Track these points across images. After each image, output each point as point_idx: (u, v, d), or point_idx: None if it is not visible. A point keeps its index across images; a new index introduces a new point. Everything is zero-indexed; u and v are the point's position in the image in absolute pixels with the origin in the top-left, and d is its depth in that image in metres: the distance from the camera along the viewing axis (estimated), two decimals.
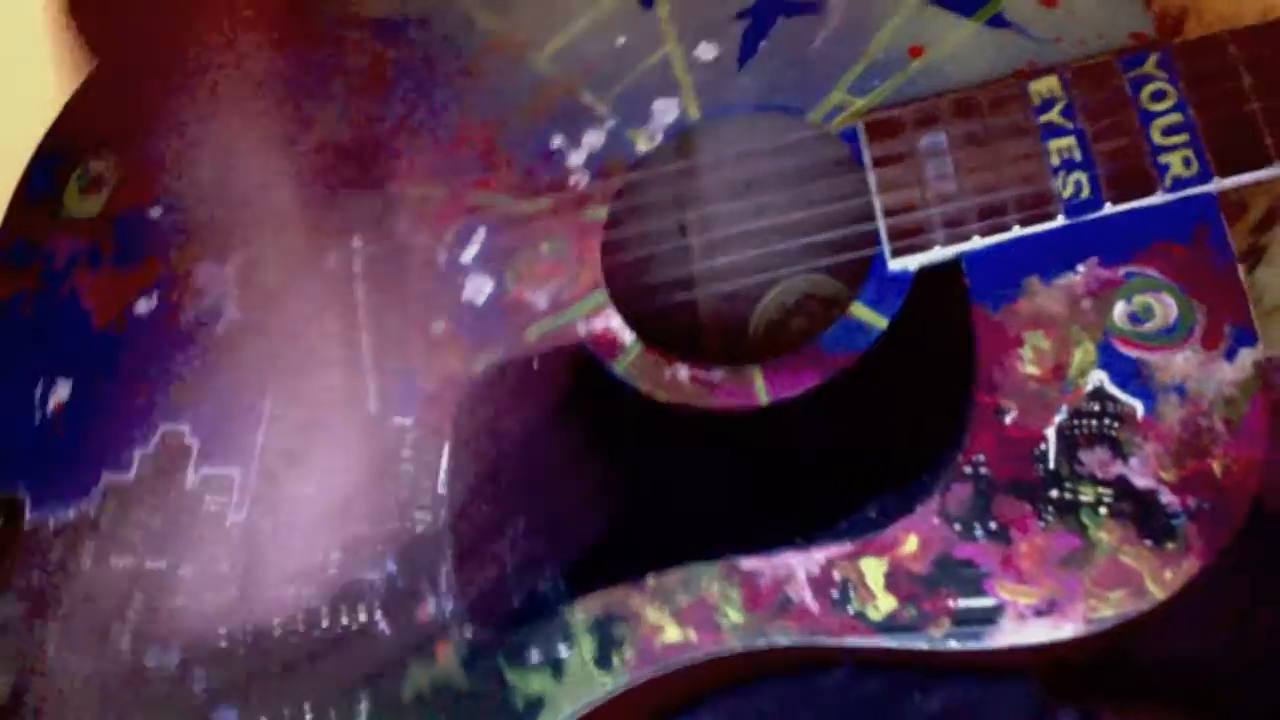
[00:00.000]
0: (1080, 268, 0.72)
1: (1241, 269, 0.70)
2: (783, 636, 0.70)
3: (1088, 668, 0.73)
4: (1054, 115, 0.74)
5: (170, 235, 0.90)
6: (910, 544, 0.69)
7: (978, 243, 0.73)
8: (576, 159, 0.83)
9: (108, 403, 0.87)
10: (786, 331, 0.86)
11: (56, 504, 0.85)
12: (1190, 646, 0.76)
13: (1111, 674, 0.74)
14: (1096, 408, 0.69)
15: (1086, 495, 0.68)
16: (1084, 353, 0.70)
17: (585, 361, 0.78)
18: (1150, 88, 0.73)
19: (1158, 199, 0.71)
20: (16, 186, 0.97)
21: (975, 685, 0.72)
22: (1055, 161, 0.73)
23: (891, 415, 0.73)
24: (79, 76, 0.98)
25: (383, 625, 0.76)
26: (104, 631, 0.81)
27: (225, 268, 0.88)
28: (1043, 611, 0.67)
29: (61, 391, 0.88)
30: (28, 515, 0.86)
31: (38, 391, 0.89)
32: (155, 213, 0.91)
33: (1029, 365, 0.71)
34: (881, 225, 0.75)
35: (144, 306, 0.89)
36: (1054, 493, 0.68)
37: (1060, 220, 0.72)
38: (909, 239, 0.74)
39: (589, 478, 0.76)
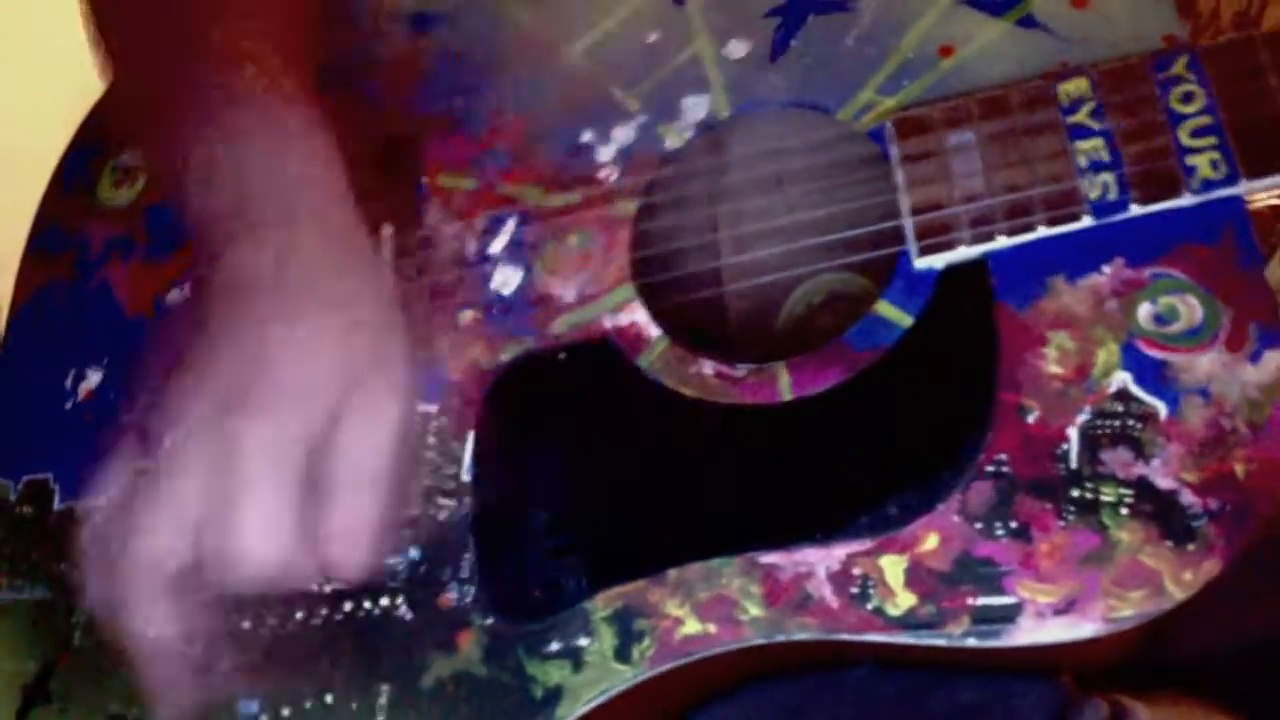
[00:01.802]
0: (1106, 268, 0.71)
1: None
2: (802, 632, 0.70)
3: (1115, 669, 0.73)
4: (1082, 116, 0.74)
5: (199, 220, 0.91)
6: (930, 541, 0.69)
7: (1004, 242, 0.73)
8: (607, 153, 0.83)
9: (131, 381, 0.88)
10: (812, 329, 0.86)
11: (85, 491, 0.86)
12: (1219, 645, 0.76)
13: (1138, 671, 0.74)
14: (1120, 408, 0.69)
15: (1108, 495, 0.68)
16: (1108, 353, 0.70)
17: (611, 355, 0.78)
18: (1179, 89, 0.72)
19: (1185, 201, 0.71)
20: (52, 176, 0.99)
21: (1000, 681, 0.72)
22: (1083, 162, 0.73)
23: (914, 413, 0.73)
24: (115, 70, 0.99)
25: (405, 613, 0.76)
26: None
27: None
28: (1062, 610, 0.67)
29: (92, 379, 0.89)
30: (57, 502, 0.87)
31: (68, 379, 0.90)
32: (185, 199, 0.92)
33: (1053, 365, 0.70)
34: (908, 223, 0.75)
35: (175, 297, 0.90)
36: (1075, 492, 0.68)
37: (1087, 221, 0.72)
38: (935, 237, 0.74)
39: (611, 470, 0.76)
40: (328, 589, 0.78)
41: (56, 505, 0.86)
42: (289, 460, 0.67)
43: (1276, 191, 0.72)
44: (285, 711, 0.76)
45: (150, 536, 0.68)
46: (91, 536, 0.72)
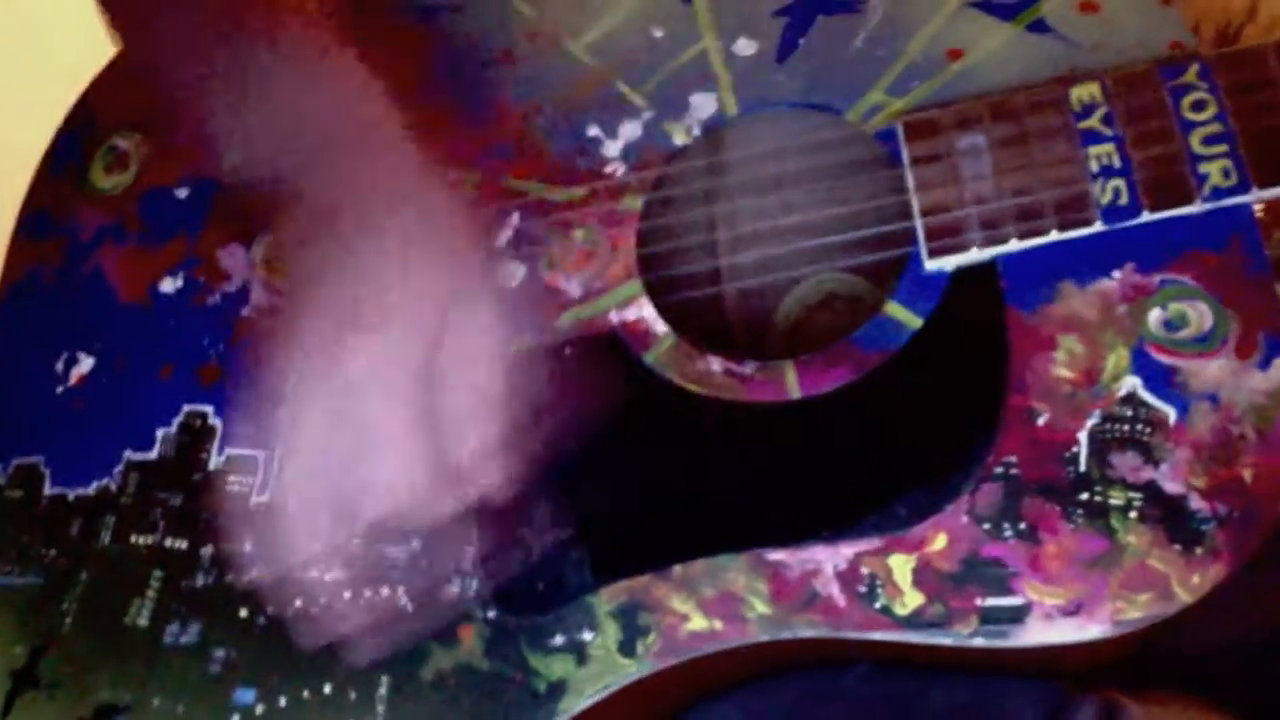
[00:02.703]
0: (1116, 273, 0.72)
1: None
2: (808, 630, 0.70)
3: (1112, 667, 0.74)
4: (1094, 121, 0.74)
5: (198, 216, 0.90)
6: (939, 542, 0.70)
7: (1014, 245, 0.73)
8: (613, 149, 0.83)
9: (131, 379, 0.87)
10: (810, 329, 0.86)
11: (77, 478, 0.85)
12: (1217, 644, 0.77)
13: (1133, 667, 0.75)
14: (1129, 412, 0.70)
15: (1116, 499, 0.68)
16: (1117, 358, 0.70)
17: (617, 350, 0.78)
18: (1191, 97, 0.73)
19: (1195, 208, 0.72)
20: (42, 158, 0.97)
21: (995, 681, 0.72)
22: (1094, 167, 0.73)
23: (923, 414, 0.73)
24: (109, 52, 0.98)
25: (406, 605, 0.76)
26: (122, 608, 0.81)
27: (252, 251, 0.88)
28: (1069, 612, 0.67)
29: (84, 365, 0.88)
30: (47, 488, 0.86)
31: (59, 364, 0.89)
32: (182, 193, 0.91)
33: (1062, 368, 0.71)
34: (919, 225, 0.75)
35: (169, 285, 0.89)
36: (1084, 495, 0.69)
37: (1098, 226, 0.72)
38: (946, 239, 0.74)
39: (617, 465, 0.76)
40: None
41: (46, 490, 0.85)
42: (408, 389, 0.70)
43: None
44: (282, 701, 0.76)
45: (292, 487, 0.71)
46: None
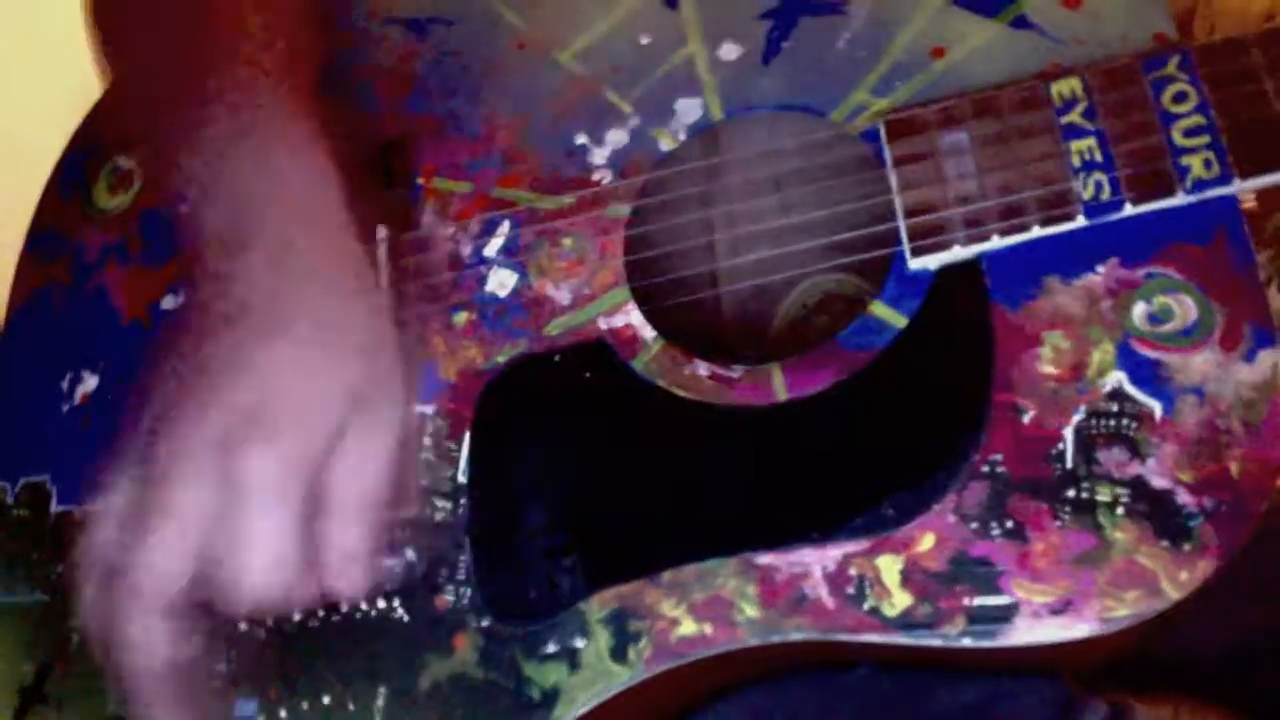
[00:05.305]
0: (1100, 268, 0.71)
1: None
2: (798, 632, 0.70)
3: (1110, 664, 0.73)
4: (1075, 116, 0.74)
5: (196, 233, 0.91)
6: (926, 541, 0.69)
7: (998, 243, 0.73)
8: (600, 156, 0.83)
9: (133, 396, 0.88)
10: (808, 330, 0.86)
11: (82, 495, 0.86)
12: (1211, 642, 0.76)
13: (1134, 668, 0.74)
14: (1114, 408, 0.69)
15: (1103, 495, 0.68)
16: (1103, 353, 0.70)
17: (606, 357, 0.78)
18: (1172, 89, 0.72)
19: (1178, 200, 0.71)
20: (49, 179, 0.99)
21: (1003, 680, 0.72)
22: (1076, 162, 0.73)
23: (909, 413, 0.73)
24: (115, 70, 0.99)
25: (401, 615, 0.76)
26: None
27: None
28: (1057, 610, 0.67)
29: (88, 383, 0.89)
30: (54, 506, 0.87)
31: (65, 382, 0.90)
32: (182, 210, 0.92)
33: (1047, 365, 0.71)
34: (902, 225, 0.75)
35: (170, 303, 0.90)
36: (1070, 492, 0.68)
37: (1080, 221, 0.72)
38: (929, 238, 0.74)
39: (608, 471, 0.76)
40: None
41: (53, 508, 0.86)
42: (294, 486, 0.68)
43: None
44: (282, 713, 0.76)
45: (151, 558, 0.68)
46: (88, 550, 0.72)
